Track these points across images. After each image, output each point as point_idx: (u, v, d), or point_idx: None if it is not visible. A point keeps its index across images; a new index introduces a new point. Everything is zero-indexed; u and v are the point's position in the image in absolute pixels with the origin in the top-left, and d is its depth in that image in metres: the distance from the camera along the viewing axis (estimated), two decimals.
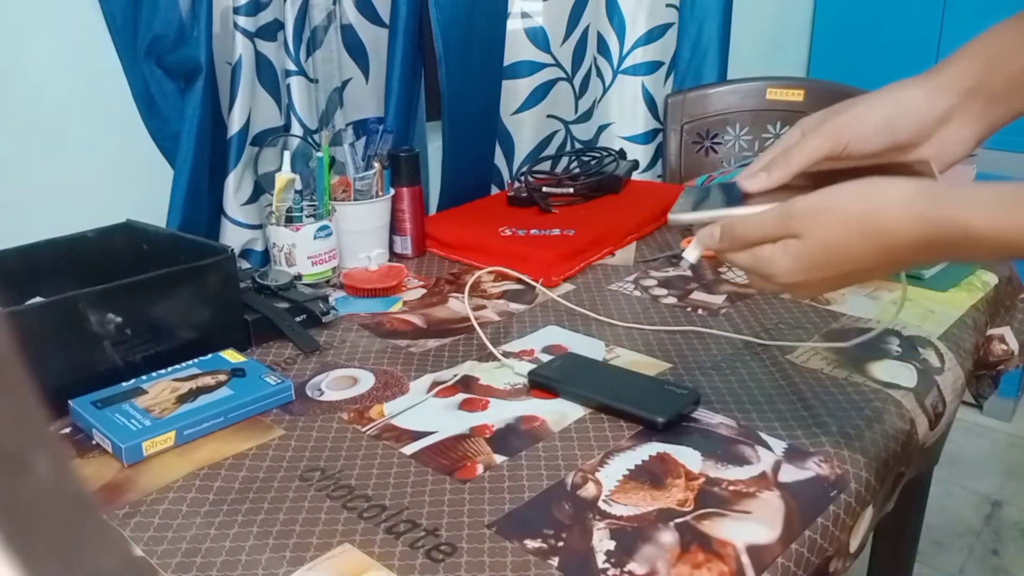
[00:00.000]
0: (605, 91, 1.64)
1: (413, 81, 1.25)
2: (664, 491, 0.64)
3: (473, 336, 0.92)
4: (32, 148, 0.96)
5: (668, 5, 1.61)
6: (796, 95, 1.66)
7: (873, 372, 0.82)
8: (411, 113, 1.26)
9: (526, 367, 0.82)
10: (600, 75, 1.62)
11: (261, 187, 1.13)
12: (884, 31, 2.16)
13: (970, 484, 1.97)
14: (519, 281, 1.07)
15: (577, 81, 1.54)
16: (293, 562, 0.57)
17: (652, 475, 0.66)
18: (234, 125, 1.06)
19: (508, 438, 0.72)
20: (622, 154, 1.46)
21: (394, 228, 1.17)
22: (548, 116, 1.50)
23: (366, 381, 0.83)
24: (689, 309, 0.99)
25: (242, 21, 1.03)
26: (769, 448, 0.69)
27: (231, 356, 0.83)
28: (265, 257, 1.14)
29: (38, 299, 0.82)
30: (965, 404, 1.00)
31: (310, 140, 1.13)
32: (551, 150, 1.54)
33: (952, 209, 0.53)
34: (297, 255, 1.04)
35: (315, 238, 1.04)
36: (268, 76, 1.10)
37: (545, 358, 0.86)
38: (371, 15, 1.22)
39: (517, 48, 1.41)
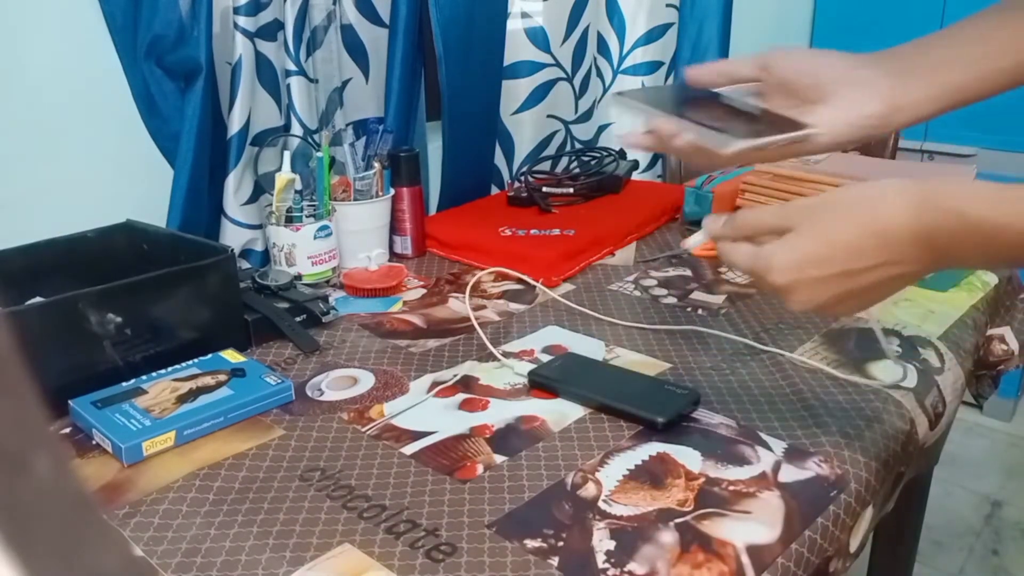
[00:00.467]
0: (605, 91, 1.64)
1: (413, 81, 1.25)
2: (664, 491, 0.64)
3: (473, 336, 0.92)
4: (32, 148, 0.96)
5: (668, 5, 1.61)
6: None
7: (873, 372, 0.82)
8: (411, 113, 1.26)
9: (526, 367, 0.82)
10: (600, 75, 1.62)
11: (261, 187, 1.13)
12: (884, 31, 2.16)
13: (970, 484, 1.97)
14: (519, 281, 1.07)
15: (577, 81, 1.54)
16: (293, 562, 0.57)
17: (652, 475, 0.66)
18: (234, 125, 1.06)
19: (508, 438, 0.72)
20: (622, 154, 1.46)
21: (394, 228, 1.17)
22: (548, 116, 1.50)
23: (366, 381, 0.83)
24: (689, 309, 0.99)
25: (242, 21, 1.03)
26: (769, 448, 0.69)
27: (231, 356, 0.83)
28: (265, 257, 1.14)
29: (38, 299, 0.82)
30: (965, 404, 1.00)
31: (310, 140, 1.13)
32: (551, 150, 1.54)
33: (947, 196, 0.53)
34: (297, 255, 1.04)
35: (315, 238, 1.04)
36: (268, 76, 1.10)
37: (545, 358, 0.86)
38: (371, 15, 1.22)
39: (517, 48, 1.41)
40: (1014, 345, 1.07)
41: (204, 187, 1.06)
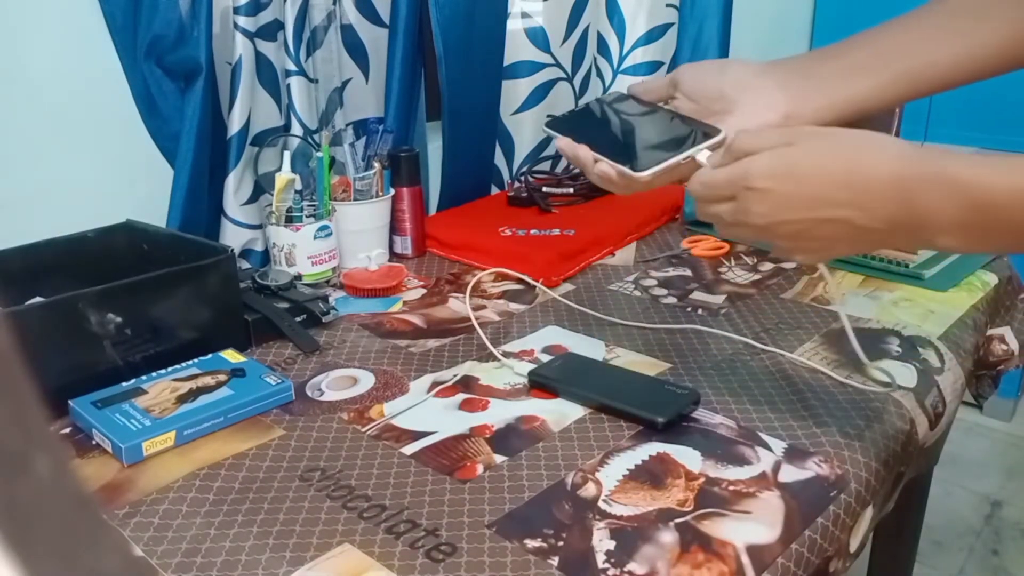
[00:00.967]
0: (605, 91, 1.64)
1: (413, 81, 1.25)
2: (664, 491, 0.64)
3: (473, 336, 0.92)
4: (32, 148, 0.96)
5: (668, 5, 1.61)
6: None
7: (873, 372, 0.82)
8: (411, 113, 1.26)
9: (526, 367, 0.82)
10: (600, 75, 1.62)
11: (261, 187, 1.13)
12: None
13: (970, 484, 1.97)
14: (519, 281, 1.07)
15: (577, 81, 1.54)
16: (293, 562, 0.57)
17: (652, 475, 0.66)
18: (234, 125, 1.06)
19: (508, 438, 0.72)
20: None
21: (394, 228, 1.17)
22: (548, 116, 1.50)
23: (366, 381, 0.83)
24: (689, 309, 0.99)
25: (242, 21, 1.03)
26: (769, 448, 0.69)
27: (231, 356, 0.83)
28: (265, 257, 1.14)
29: (38, 299, 0.82)
30: (965, 404, 1.00)
31: (310, 140, 1.13)
32: (551, 150, 1.54)
33: (932, 151, 0.53)
34: (297, 255, 1.04)
35: (315, 238, 1.04)
36: (268, 76, 1.10)
37: (545, 358, 0.86)
38: (371, 15, 1.22)
39: (517, 48, 1.41)
40: (1014, 345, 1.07)
41: (204, 187, 1.06)
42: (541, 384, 0.80)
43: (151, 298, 0.80)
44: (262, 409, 0.76)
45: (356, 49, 1.22)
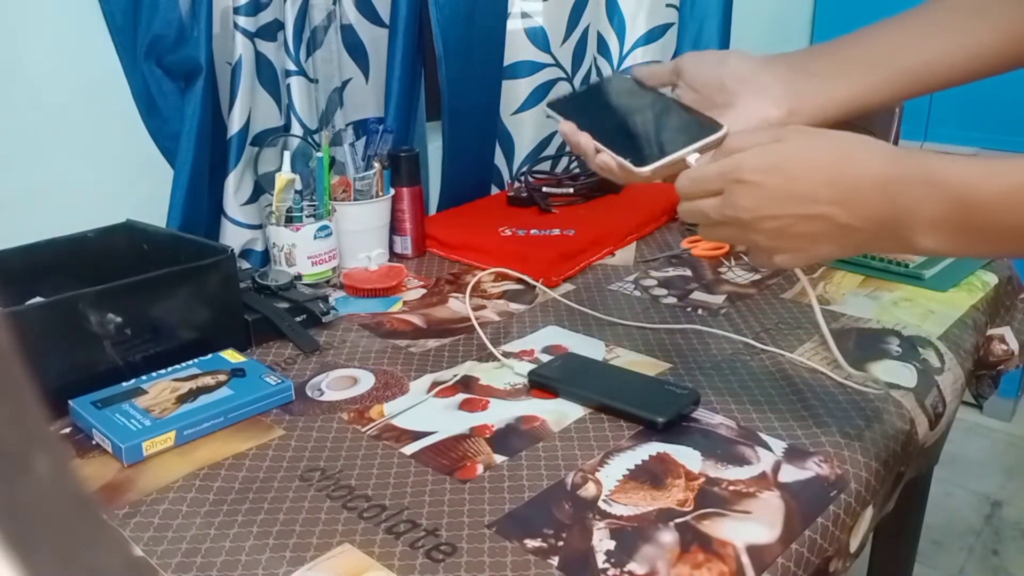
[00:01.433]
0: None
1: (413, 81, 1.25)
2: (664, 491, 0.64)
3: (473, 336, 0.92)
4: (32, 148, 0.96)
5: (668, 5, 1.61)
6: None
7: (873, 372, 0.82)
8: (411, 113, 1.26)
9: (526, 367, 0.82)
10: (600, 75, 1.62)
11: (261, 187, 1.13)
12: None
13: (970, 484, 1.97)
14: (519, 281, 1.07)
15: (577, 81, 1.54)
16: (293, 562, 0.57)
17: (652, 475, 0.66)
18: (234, 125, 1.06)
19: (508, 438, 0.72)
20: None
21: (394, 228, 1.17)
22: (548, 116, 1.50)
23: (366, 381, 0.83)
24: (689, 309, 0.99)
25: (242, 21, 1.03)
26: (769, 448, 0.69)
27: (231, 356, 0.83)
28: (265, 257, 1.14)
29: (38, 299, 0.82)
30: (965, 404, 1.01)
31: (310, 140, 1.13)
32: (551, 150, 1.54)
33: (920, 154, 0.53)
34: (297, 255, 1.04)
35: (315, 238, 1.04)
36: (268, 76, 1.10)
37: (545, 358, 0.86)
38: (371, 15, 1.22)
39: (517, 48, 1.41)
40: (1014, 345, 1.07)
41: (204, 187, 1.06)
42: (541, 384, 0.80)
43: (151, 298, 0.80)
44: (262, 409, 0.76)
45: (356, 49, 1.22)
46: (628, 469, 0.67)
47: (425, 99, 1.31)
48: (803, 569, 0.60)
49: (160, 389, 0.77)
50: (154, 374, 0.79)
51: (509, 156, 1.47)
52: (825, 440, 0.71)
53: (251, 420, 0.75)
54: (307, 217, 1.05)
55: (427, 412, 0.76)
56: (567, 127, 0.70)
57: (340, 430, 0.74)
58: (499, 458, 0.69)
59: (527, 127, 1.47)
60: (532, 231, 1.19)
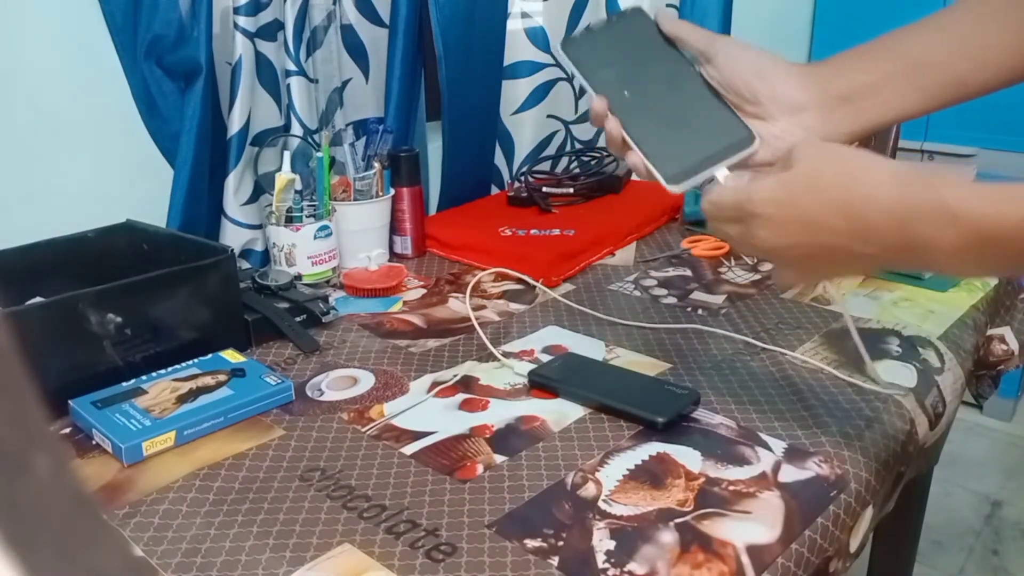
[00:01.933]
0: None
1: (413, 81, 1.25)
2: (664, 491, 0.64)
3: (473, 336, 0.92)
4: (32, 148, 0.96)
5: (668, 5, 1.61)
6: None
7: (873, 374, 0.82)
8: (411, 113, 1.26)
9: (526, 367, 0.82)
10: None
11: (261, 187, 1.13)
12: (884, 31, 2.16)
13: (970, 484, 1.97)
14: (519, 281, 1.07)
15: (577, 81, 1.54)
16: (293, 562, 0.57)
17: (652, 475, 0.66)
18: (234, 125, 1.06)
19: (508, 438, 0.72)
20: None
21: (394, 228, 1.17)
22: (548, 116, 1.50)
23: (366, 381, 0.83)
24: (689, 309, 0.99)
25: (242, 21, 1.03)
26: (769, 448, 0.69)
27: (231, 356, 0.83)
28: (265, 257, 1.14)
29: (38, 299, 0.82)
30: (965, 404, 1.01)
31: (310, 140, 1.13)
32: (551, 150, 1.54)
33: (931, 177, 0.53)
34: (297, 255, 1.04)
35: (315, 238, 1.04)
36: (268, 76, 1.10)
37: (545, 358, 0.86)
38: (371, 15, 1.22)
39: (517, 48, 1.41)
40: (1014, 345, 1.07)
41: (204, 187, 1.06)
42: (541, 384, 0.80)
43: (151, 298, 0.80)
44: (262, 409, 0.76)
45: (356, 49, 1.22)
46: (628, 469, 0.67)
47: (425, 99, 1.32)
48: (803, 569, 0.60)
49: (160, 389, 0.77)
50: (154, 374, 0.79)
51: (509, 156, 1.47)
52: (825, 440, 0.71)
53: (251, 420, 0.75)
54: (307, 217, 1.05)
55: (427, 412, 0.76)
56: (599, 106, 0.66)
57: (340, 430, 0.74)
58: (499, 458, 0.69)
59: (527, 127, 1.47)
60: (532, 231, 1.19)
